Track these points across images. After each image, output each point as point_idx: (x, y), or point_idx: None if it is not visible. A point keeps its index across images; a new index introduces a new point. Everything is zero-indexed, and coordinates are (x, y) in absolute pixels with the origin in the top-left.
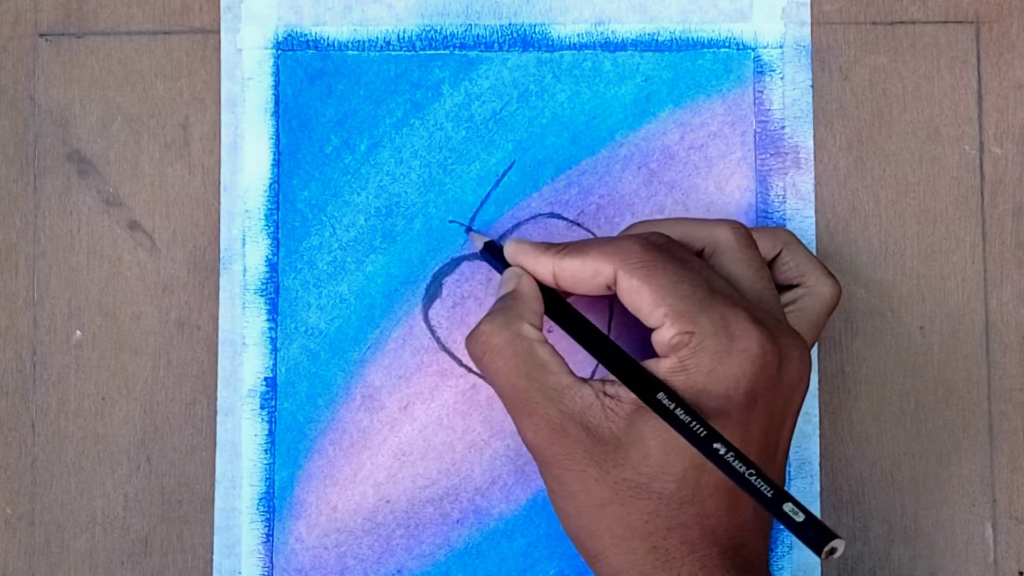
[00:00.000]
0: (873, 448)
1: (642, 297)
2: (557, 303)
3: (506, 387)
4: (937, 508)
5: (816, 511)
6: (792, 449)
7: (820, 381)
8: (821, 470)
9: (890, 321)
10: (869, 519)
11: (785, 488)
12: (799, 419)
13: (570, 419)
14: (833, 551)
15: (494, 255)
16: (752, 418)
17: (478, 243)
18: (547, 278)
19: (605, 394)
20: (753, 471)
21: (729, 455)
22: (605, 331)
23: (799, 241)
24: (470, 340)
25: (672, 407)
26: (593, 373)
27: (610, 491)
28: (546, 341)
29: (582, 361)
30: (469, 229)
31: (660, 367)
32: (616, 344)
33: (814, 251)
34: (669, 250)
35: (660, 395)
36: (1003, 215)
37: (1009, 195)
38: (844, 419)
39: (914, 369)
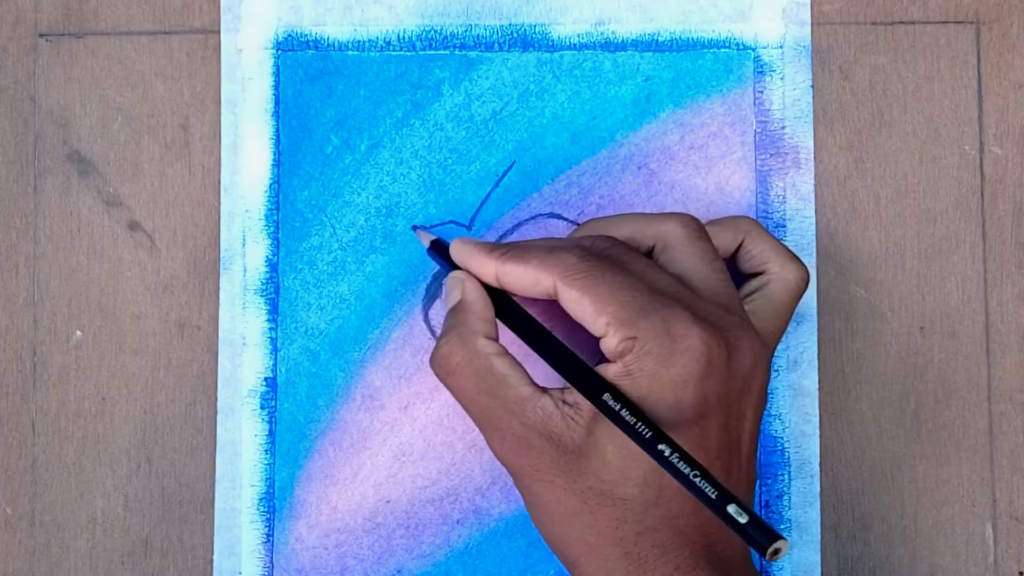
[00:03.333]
0: (873, 448)
1: (583, 308)
2: (506, 305)
3: (470, 405)
4: (937, 508)
5: (816, 512)
6: (792, 449)
7: (820, 381)
8: (821, 470)
9: (890, 321)
10: (869, 519)
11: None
12: (799, 419)
13: (533, 430)
14: (777, 552)
15: (441, 255)
16: (706, 416)
17: (424, 241)
18: (491, 281)
19: (564, 402)
20: (697, 472)
21: (674, 456)
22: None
23: (762, 228)
24: (432, 363)
25: (618, 408)
26: None
27: (578, 500)
28: (504, 353)
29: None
30: (415, 227)
31: (608, 372)
32: (565, 346)
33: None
34: (610, 255)
35: (605, 396)
36: (1003, 215)
37: (1009, 195)
38: (844, 419)
39: (914, 369)
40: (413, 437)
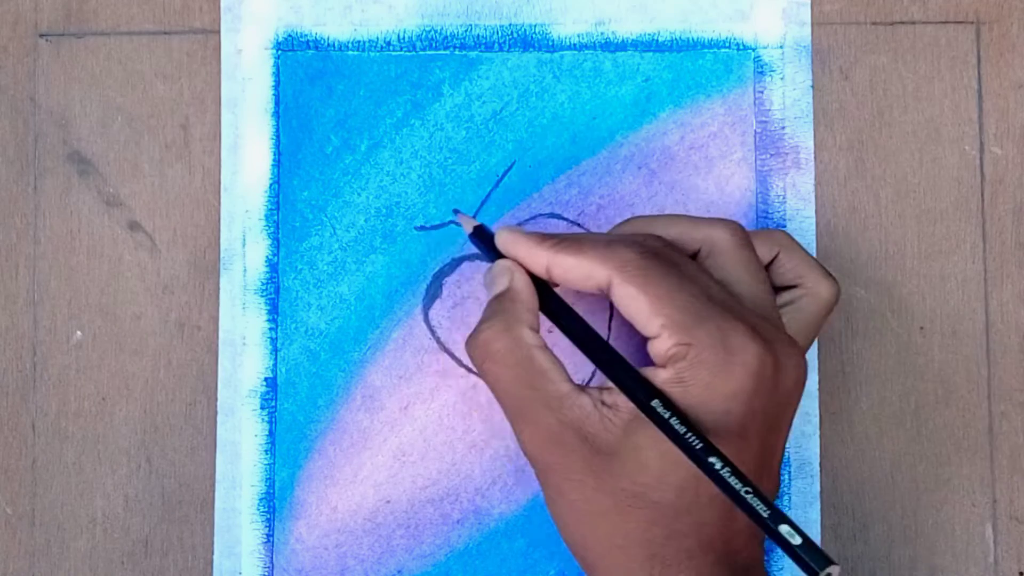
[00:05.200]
0: (873, 448)
1: (639, 305)
2: (552, 300)
3: (505, 395)
4: (937, 508)
5: (816, 512)
6: (792, 449)
7: (820, 381)
8: (821, 470)
9: (890, 321)
10: (869, 519)
11: (783, 489)
12: (799, 419)
13: (568, 428)
14: None
15: (484, 241)
16: (750, 430)
17: (467, 226)
18: (540, 272)
19: (603, 403)
20: (749, 489)
21: (725, 471)
22: (605, 330)
23: (796, 243)
24: (470, 344)
25: (667, 416)
26: (591, 377)
27: (610, 501)
28: (545, 346)
29: (583, 360)
30: (456, 211)
31: (657, 377)
32: (613, 348)
33: (814, 251)
34: (666, 256)
35: (655, 403)
36: (1003, 215)
37: (1009, 195)
38: (844, 419)
39: (914, 369)
40: (413, 437)
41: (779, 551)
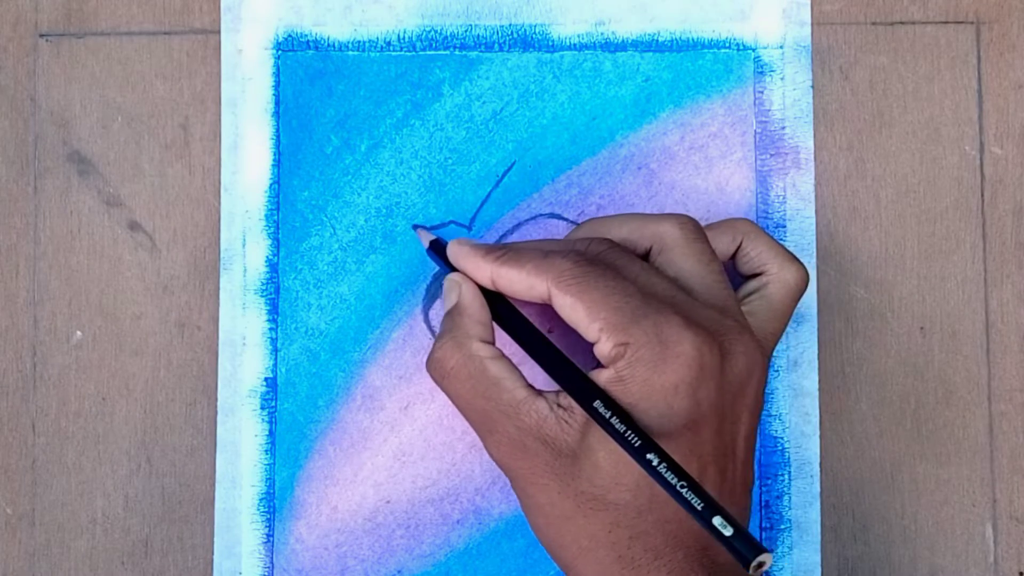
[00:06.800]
0: (873, 448)
1: (578, 313)
2: (501, 307)
3: (467, 409)
4: (937, 508)
5: (816, 512)
6: (792, 449)
7: (820, 381)
8: (821, 470)
9: (890, 321)
10: (869, 519)
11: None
12: (799, 419)
13: (528, 434)
14: (761, 565)
15: (440, 255)
16: (700, 423)
17: (424, 241)
18: (487, 284)
19: (559, 406)
20: (684, 482)
21: (661, 466)
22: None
23: (760, 229)
24: (428, 367)
25: (608, 415)
26: None
27: (572, 504)
28: (499, 356)
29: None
30: (416, 226)
31: (600, 377)
32: (559, 351)
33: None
34: (604, 260)
35: (596, 403)
36: (1003, 215)
37: (1009, 195)
38: (844, 419)
39: (914, 369)
40: (413, 437)
41: (779, 551)
